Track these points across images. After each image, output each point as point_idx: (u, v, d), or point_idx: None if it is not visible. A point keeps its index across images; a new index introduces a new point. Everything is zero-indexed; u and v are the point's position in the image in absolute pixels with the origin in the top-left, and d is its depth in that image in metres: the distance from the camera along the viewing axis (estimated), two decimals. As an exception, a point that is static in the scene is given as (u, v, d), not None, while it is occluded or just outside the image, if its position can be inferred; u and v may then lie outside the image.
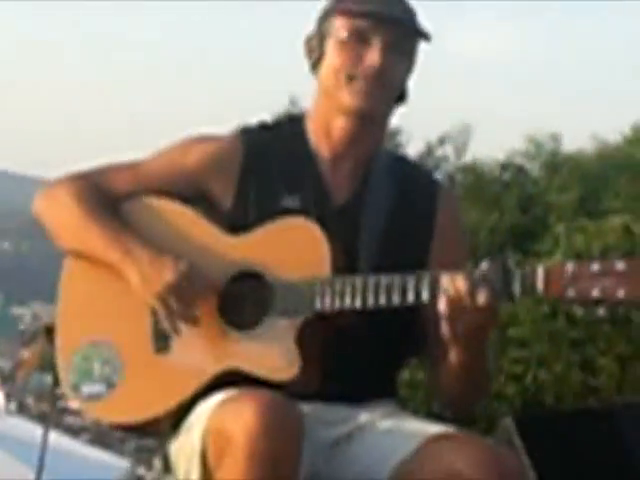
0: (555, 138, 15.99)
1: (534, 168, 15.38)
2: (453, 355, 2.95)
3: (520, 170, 14.09)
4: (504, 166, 14.83)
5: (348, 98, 3.10)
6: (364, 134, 3.20)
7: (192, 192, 3.27)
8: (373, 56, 3.04)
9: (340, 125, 3.17)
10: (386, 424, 3.08)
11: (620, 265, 2.63)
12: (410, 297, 2.90)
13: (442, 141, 13.73)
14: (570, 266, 2.69)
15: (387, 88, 3.15)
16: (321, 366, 3.01)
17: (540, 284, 2.68)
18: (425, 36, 3.14)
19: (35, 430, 11.48)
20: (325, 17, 3.21)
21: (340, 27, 3.16)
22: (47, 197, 3.36)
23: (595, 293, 2.65)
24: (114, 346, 3.30)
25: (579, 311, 7.87)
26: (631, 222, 8.74)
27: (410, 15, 3.17)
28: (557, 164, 15.67)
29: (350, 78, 3.06)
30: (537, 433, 4.54)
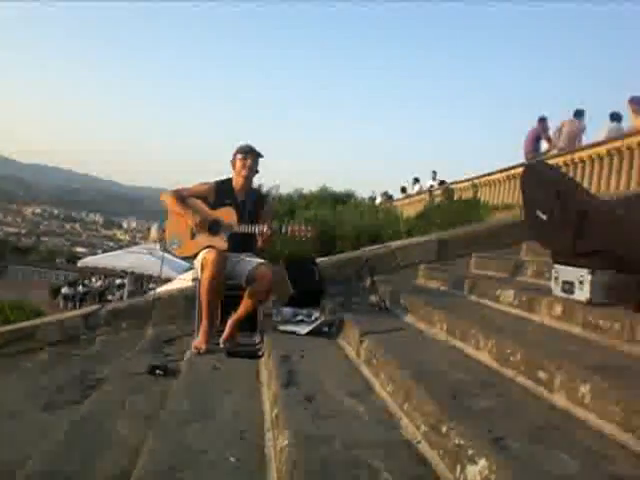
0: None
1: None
2: (260, 243, 4.96)
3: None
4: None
5: (241, 174, 5.09)
6: (246, 183, 5.14)
7: (202, 198, 5.09)
8: (247, 163, 5.09)
9: (239, 181, 5.15)
10: (249, 258, 4.94)
11: (310, 227, 4.91)
12: (254, 230, 4.85)
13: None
14: (295, 225, 4.91)
15: (250, 171, 5.13)
16: (231, 244, 4.89)
17: (286, 229, 4.83)
18: (261, 155, 5.17)
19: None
20: (234, 155, 5.13)
21: (237, 154, 5.12)
22: (164, 195, 5.14)
23: (302, 234, 4.84)
24: (181, 236, 5.09)
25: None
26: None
27: (254, 149, 5.12)
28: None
29: (238, 171, 5.10)
30: (291, 266, 5.69)
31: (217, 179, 5.27)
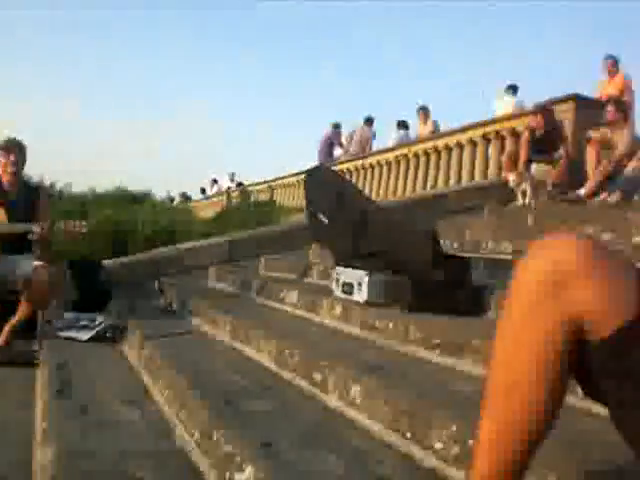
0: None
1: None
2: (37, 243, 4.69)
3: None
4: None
5: (7, 172, 4.74)
6: (15, 179, 4.78)
7: None
8: (10, 158, 4.72)
9: (7, 178, 4.77)
10: (26, 260, 4.57)
11: (84, 223, 4.91)
12: (28, 230, 4.55)
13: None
14: (69, 222, 4.95)
15: (16, 166, 4.79)
16: (3, 246, 4.57)
17: (59, 227, 4.65)
18: (23, 146, 4.86)
19: None
20: None
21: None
22: None
23: (77, 230, 4.60)
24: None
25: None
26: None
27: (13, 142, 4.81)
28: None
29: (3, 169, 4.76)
30: (74, 268, 5.59)
31: None
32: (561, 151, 7.76)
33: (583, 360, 1.16)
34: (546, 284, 1.13)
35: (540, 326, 1.14)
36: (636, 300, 1.11)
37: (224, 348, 3.85)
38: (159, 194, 21.12)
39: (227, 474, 2.06)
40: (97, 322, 4.92)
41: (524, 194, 7.65)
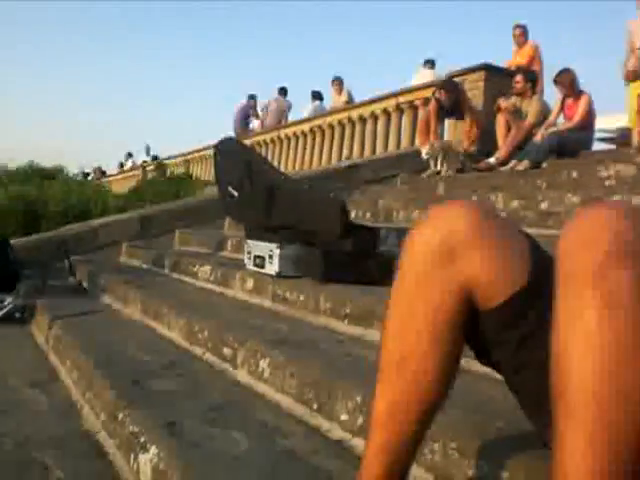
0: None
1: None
2: None
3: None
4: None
5: None
6: None
7: None
8: None
9: None
10: None
11: None
12: None
13: None
14: None
15: None
16: None
17: None
18: None
19: None
20: None
21: None
22: None
23: None
24: None
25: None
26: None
27: None
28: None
29: None
30: None
31: None
32: (468, 120, 7.86)
33: (476, 329, 1.16)
34: (435, 254, 1.12)
35: (430, 296, 1.13)
36: (526, 268, 1.11)
37: (135, 326, 3.78)
38: (72, 170, 20.61)
39: (132, 455, 2.02)
40: (5, 303, 4.78)
41: (435, 163, 7.73)
